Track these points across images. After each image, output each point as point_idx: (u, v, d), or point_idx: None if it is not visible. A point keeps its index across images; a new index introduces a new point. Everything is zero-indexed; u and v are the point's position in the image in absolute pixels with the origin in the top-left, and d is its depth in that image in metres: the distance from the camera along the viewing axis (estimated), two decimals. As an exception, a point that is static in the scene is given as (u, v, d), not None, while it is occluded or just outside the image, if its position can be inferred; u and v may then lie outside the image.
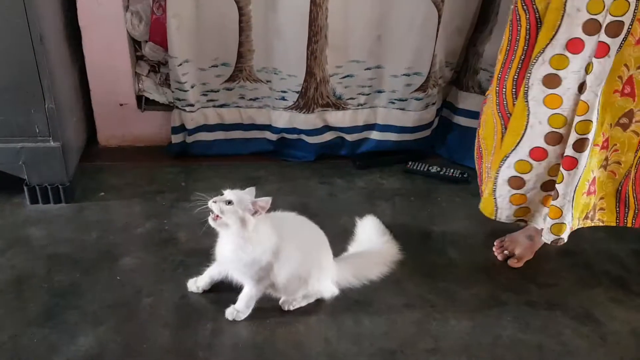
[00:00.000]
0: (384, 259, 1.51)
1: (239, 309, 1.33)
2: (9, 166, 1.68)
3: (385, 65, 1.97)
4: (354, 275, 1.45)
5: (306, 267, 1.33)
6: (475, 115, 2.04)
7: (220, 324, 1.33)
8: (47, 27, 1.59)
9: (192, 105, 1.97)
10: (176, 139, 2.03)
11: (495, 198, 1.50)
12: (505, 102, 1.40)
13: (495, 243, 1.65)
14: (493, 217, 1.54)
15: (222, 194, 1.25)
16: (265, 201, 1.21)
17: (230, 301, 1.36)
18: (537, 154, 1.40)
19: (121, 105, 2.02)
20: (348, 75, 1.97)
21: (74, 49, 1.88)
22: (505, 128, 1.42)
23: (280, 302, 1.38)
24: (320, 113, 2.03)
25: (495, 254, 1.62)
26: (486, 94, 1.50)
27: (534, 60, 1.32)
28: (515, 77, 1.37)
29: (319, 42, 1.88)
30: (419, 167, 2.05)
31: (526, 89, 1.35)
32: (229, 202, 1.21)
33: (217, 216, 1.23)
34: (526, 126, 1.38)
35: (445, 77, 2.07)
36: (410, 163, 2.07)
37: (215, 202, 1.22)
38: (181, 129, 2.02)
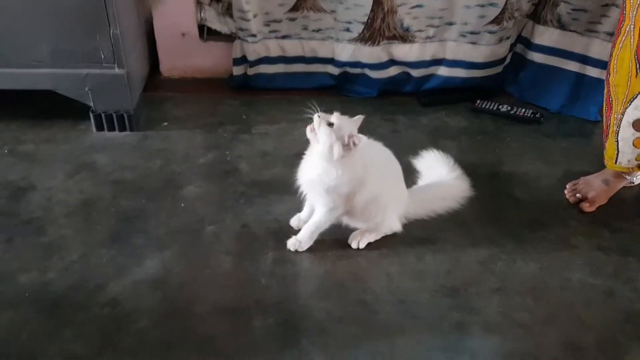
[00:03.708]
0: (454, 194, 1.46)
1: (301, 239, 1.32)
2: (76, 92, 1.70)
3: (458, -6, 1.86)
4: (422, 207, 1.42)
5: (386, 196, 1.32)
6: (552, 51, 1.93)
7: (281, 253, 1.33)
8: (112, -48, 1.57)
9: (254, 35, 1.92)
10: (237, 70, 2.01)
11: (617, 141, 1.44)
12: None
13: (567, 185, 1.58)
14: (613, 161, 1.48)
15: (332, 113, 1.24)
16: (360, 139, 1.20)
17: (292, 233, 1.36)
18: None
19: (183, 35, 2.00)
20: (417, 5, 1.87)
21: (138, -24, 1.86)
22: (638, 71, 1.32)
23: (349, 239, 1.36)
24: (385, 46, 1.95)
25: (567, 196, 1.55)
26: (619, 35, 1.37)
27: None
28: None
29: (388, -31, 1.79)
30: (488, 105, 1.96)
31: None
32: (330, 124, 1.21)
33: (314, 128, 1.23)
34: None
35: (522, 9, 1.94)
36: (478, 101, 1.98)
37: (319, 116, 1.22)
38: (242, 60, 1.98)
